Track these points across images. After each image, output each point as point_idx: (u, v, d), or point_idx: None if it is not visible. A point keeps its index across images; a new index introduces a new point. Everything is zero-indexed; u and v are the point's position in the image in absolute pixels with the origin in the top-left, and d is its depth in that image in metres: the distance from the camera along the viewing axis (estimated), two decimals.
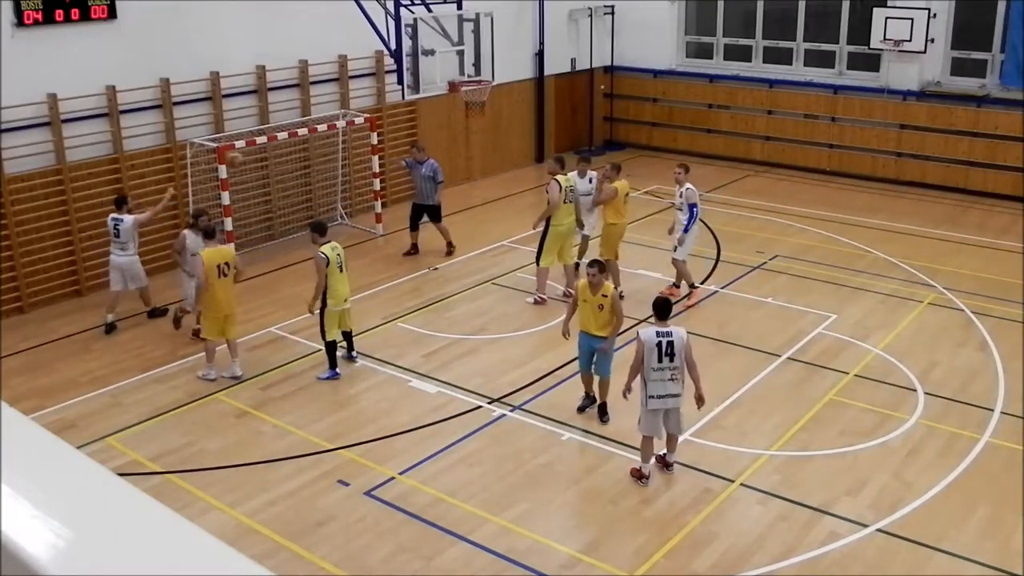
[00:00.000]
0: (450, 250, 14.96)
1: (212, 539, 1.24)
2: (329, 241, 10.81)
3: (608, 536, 8.02)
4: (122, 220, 12.08)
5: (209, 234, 10.97)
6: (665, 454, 8.85)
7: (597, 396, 9.92)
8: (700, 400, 8.62)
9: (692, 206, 12.73)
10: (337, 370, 10.90)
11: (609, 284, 9.70)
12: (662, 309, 8.67)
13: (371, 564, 7.64)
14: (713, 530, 8.06)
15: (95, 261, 13.53)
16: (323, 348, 10.92)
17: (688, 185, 12.77)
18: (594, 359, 9.73)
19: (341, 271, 10.75)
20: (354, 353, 11.28)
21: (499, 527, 8.10)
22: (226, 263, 10.65)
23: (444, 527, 8.10)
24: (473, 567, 7.59)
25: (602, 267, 9.68)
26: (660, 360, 8.35)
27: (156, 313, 12.67)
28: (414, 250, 14.96)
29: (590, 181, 13.17)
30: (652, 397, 8.44)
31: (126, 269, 12.25)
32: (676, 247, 12.87)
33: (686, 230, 12.78)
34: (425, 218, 14.79)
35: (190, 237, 11.45)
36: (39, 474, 1.42)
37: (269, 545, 7.86)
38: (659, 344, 8.35)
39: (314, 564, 7.64)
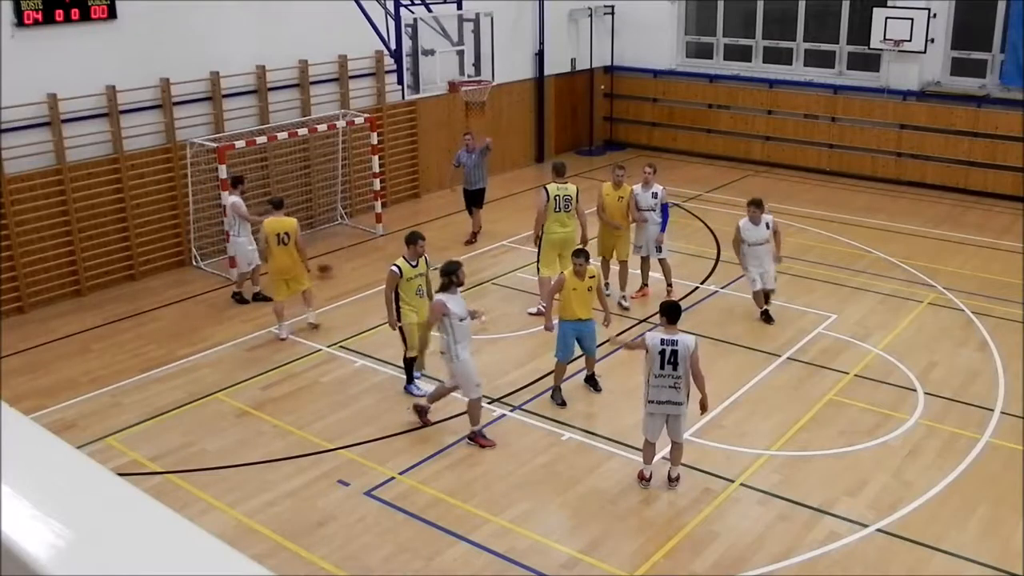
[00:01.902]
0: (473, 239, 15.67)
1: (212, 539, 1.24)
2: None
3: (608, 536, 8.02)
4: (228, 200, 12.92)
5: (277, 205, 11.91)
6: (669, 468, 8.77)
7: (586, 369, 10.53)
8: (703, 407, 8.53)
9: (665, 206, 12.84)
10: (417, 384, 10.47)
11: (593, 267, 10.14)
12: (671, 314, 8.44)
13: (371, 564, 7.64)
14: (713, 530, 8.06)
15: (95, 261, 13.55)
16: (323, 350, 10.88)
17: (659, 186, 12.84)
18: (576, 343, 10.21)
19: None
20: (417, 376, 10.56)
21: (499, 527, 8.09)
22: (285, 233, 11.60)
23: (444, 527, 8.10)
24: (473, 567, 7.59)
25: (587, 256, 10.06)
26: (663, 367, 8.26)
27: (238, 296, 13.06)
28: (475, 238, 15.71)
29: (767, 227, 11.86)
30: (651, 402, 8.42)
31: (232, 248, 13.21)
32: (659, 247, 12.82)
33: (663, 229, 12.85)
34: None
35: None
36: (39, 474, 1.42)
37: (269, 545, 7.86)
38: (662, 352, 8.24)
39: (314, 564, 7.64)
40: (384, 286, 10.33)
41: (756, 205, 11.95)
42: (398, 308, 10.16)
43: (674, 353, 8.22)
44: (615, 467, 9.04)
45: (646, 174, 12.77)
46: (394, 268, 10.07)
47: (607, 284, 12.61)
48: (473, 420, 9.45)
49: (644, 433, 8.65)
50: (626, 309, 12.70)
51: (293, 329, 12.07)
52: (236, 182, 13.16)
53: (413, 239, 10.19)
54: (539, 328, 12.07)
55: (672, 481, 8.67)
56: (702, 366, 8.41)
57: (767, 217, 11.91)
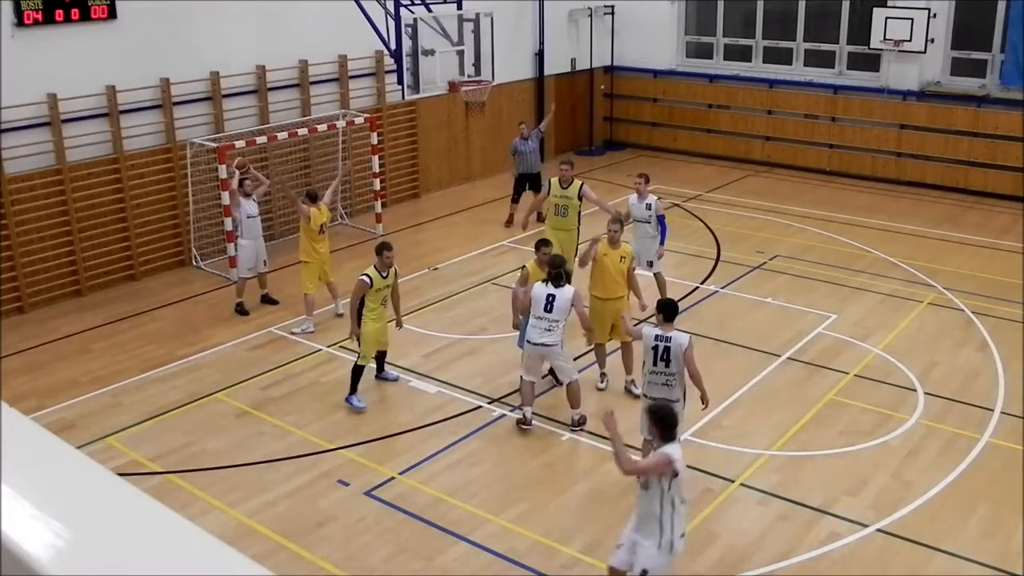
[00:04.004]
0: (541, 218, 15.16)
1: (212, 539, 1.24)
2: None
3: (609, 536, 7.99)
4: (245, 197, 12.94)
5: (313, 197, 12.17)
6: None
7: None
8: (704, 402, 8.48)
9: (661, 217, 12.16)
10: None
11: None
12: (667, 311, 8.40)
13: (371, 564, 7.64)
14: (713, 530, 8.06)
15: (95, 261, 13.55)
16: (323, 350, 10.86)
17: (653, 196, 12.29)
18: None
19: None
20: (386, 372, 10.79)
21: (499, 527, 8.10)
22: (326, 221, 12.18)
23: (444, 527, 8.10)
24: (473, 567, 7.59)
25: (549, 245, 10.35)
26: (655, 364, 8.28)
27: (239, 307, 12.81)
28: (512, 221, 15.85)
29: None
30: (645, 396, 8.44)
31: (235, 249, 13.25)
32: (651, 262, 12.14)
33: (662, 242, 12.17)
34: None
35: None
36: (39, 474, 1.42)
37: (269, 545, 7.86)
38: (655, 348, 8.26)
39: (314, 564, 7.64)
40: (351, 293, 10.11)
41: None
42: (360, 316, 10.05)
43: (667, 350, 8.22)
44: (615, 467, 9.01)
45: (637, 184, 12.24)
46: (364, 278, 9.86)
47: (603, 375, 10.62)
48: (576, 403, 9.68)
49: (642, 431, 8.63)
50: (637, 397, 9.46)
51: (317, 321, 12.24)
52: (240, 182, 13.06)
53: (381, 250, 10.08)
54: None
55: None
56: (699, 365, 8.35)
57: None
